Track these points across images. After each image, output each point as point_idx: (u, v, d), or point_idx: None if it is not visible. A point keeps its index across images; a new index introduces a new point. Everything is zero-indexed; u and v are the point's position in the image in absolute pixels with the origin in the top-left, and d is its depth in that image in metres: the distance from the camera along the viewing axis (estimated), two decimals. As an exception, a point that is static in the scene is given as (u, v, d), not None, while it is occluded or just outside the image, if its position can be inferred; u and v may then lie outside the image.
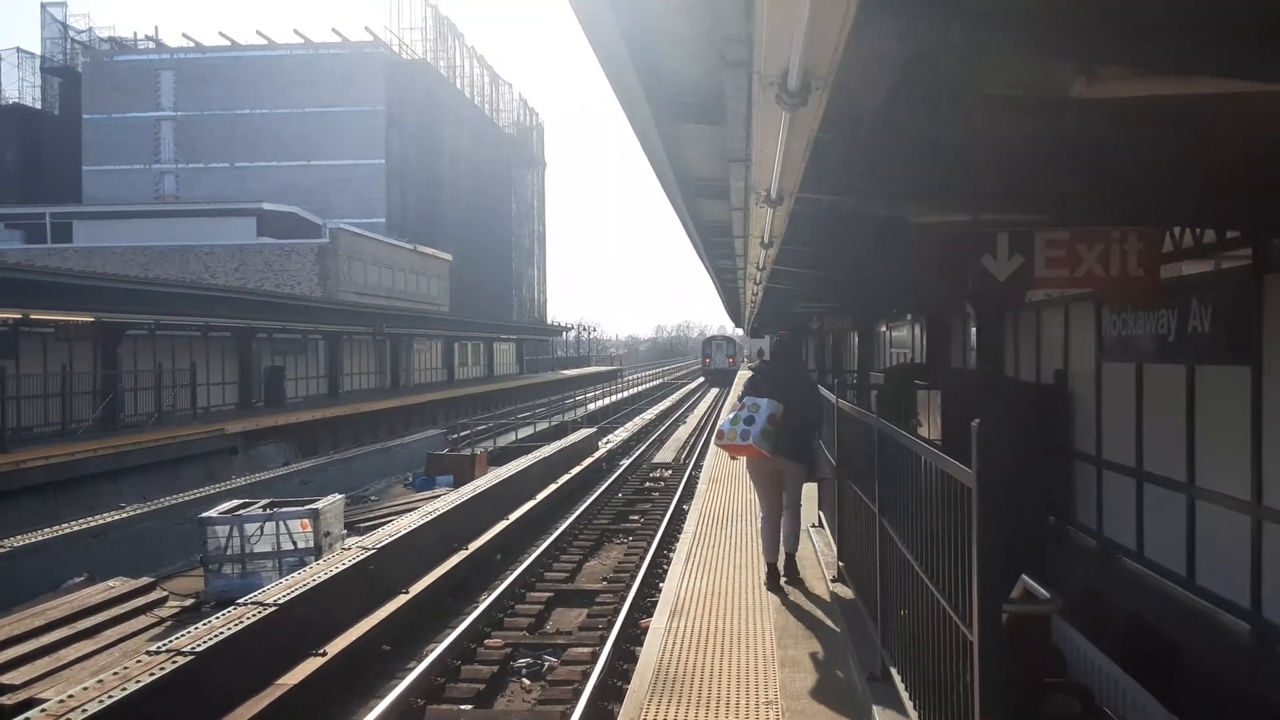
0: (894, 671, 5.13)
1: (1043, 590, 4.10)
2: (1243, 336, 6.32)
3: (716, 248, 12.74)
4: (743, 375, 46.59)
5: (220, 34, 56.54)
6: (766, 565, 8.19)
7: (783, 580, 8.09)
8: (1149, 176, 6.17)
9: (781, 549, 8.19)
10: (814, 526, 10.19)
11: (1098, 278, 7.36)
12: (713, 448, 20.11)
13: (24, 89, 59.65)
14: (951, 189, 6.70)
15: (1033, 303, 10.43)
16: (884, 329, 20.88)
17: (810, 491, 10.34)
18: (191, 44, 55.95)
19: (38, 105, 58.96)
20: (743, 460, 8.38)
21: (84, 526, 13.03)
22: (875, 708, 5.01)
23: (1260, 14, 3.53)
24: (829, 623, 7.06)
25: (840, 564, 7.88)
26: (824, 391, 8.75)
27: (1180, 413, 7.18)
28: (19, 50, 60.36)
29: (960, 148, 6.17)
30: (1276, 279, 6.10)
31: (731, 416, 7.74)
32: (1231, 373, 6.46)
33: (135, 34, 58.85)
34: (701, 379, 71.29)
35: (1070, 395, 9.44)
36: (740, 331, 56.46)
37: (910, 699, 4.65)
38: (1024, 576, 4.15)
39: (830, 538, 9.05)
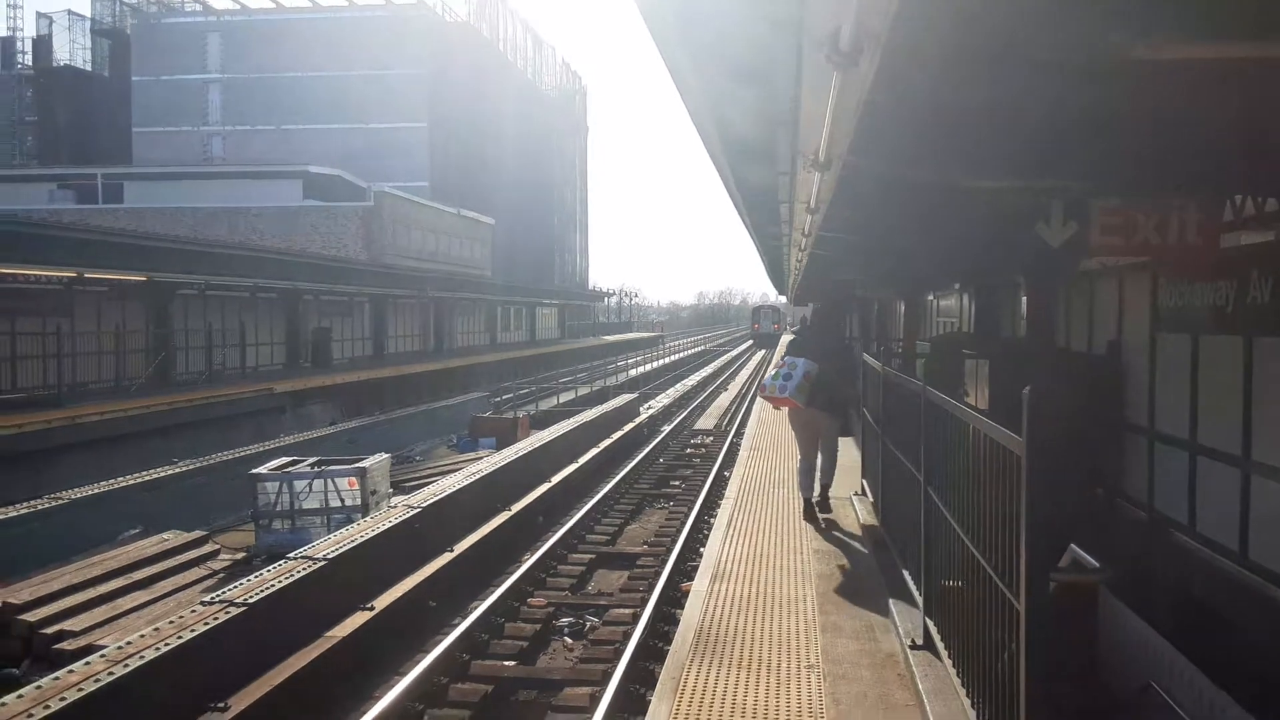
0: (937, 639, 5.14)
1: (1091, 560, 4.06)
2: (1305, 308, 6.16)
3: (761, 213, 12.61)
4: (785, 339, 49.84)
5: (266, -4, 56.86)
6: (803, 500, 9.55)
7: (819, 513, 9.38)
8: (1210, 142, 5.99)
9: (818, 483, 9.52)
10: (856, 495, 10.17)
11: (1154, 246, 7.18)
12: (755, 409, 20.12)
13: (75, 51, 60.63)
14: (1005, 154, 6.56)
15: (1085, 272, 10.21)
16: (931, 298, 20.60)
17: (854, 461, 10.37)
18: (238, 6, 56.30)
19: (88, 67, 59.81)
20: (784, 429, 10.06)
21: (138, 480, 13.37)
22: (918, 674, 5.03)
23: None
24: (872, 589, 7.07)
25: (883, 531, 7.87)
26: (868, 359, 9.01)
27: (1237, 385, 7.02)
28: (70, 13, 61.25)
29: (1016, 111, 6.03)
30: (1342, 249, 5.92)
31: (773, 373, 9.19)
32: (1292, 345, 6.30)
33: (183, -4, 59.41)
34: (744, 345, 77.88)
35: (1123, 367, 9.27)
36: (784, 299, 56.97)
37: (954, 666, 4.66)
38: (1072, 546, 4.12)
39: (872, 505, 9.03)
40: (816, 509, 9.37)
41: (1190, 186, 6.88)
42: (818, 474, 9.44)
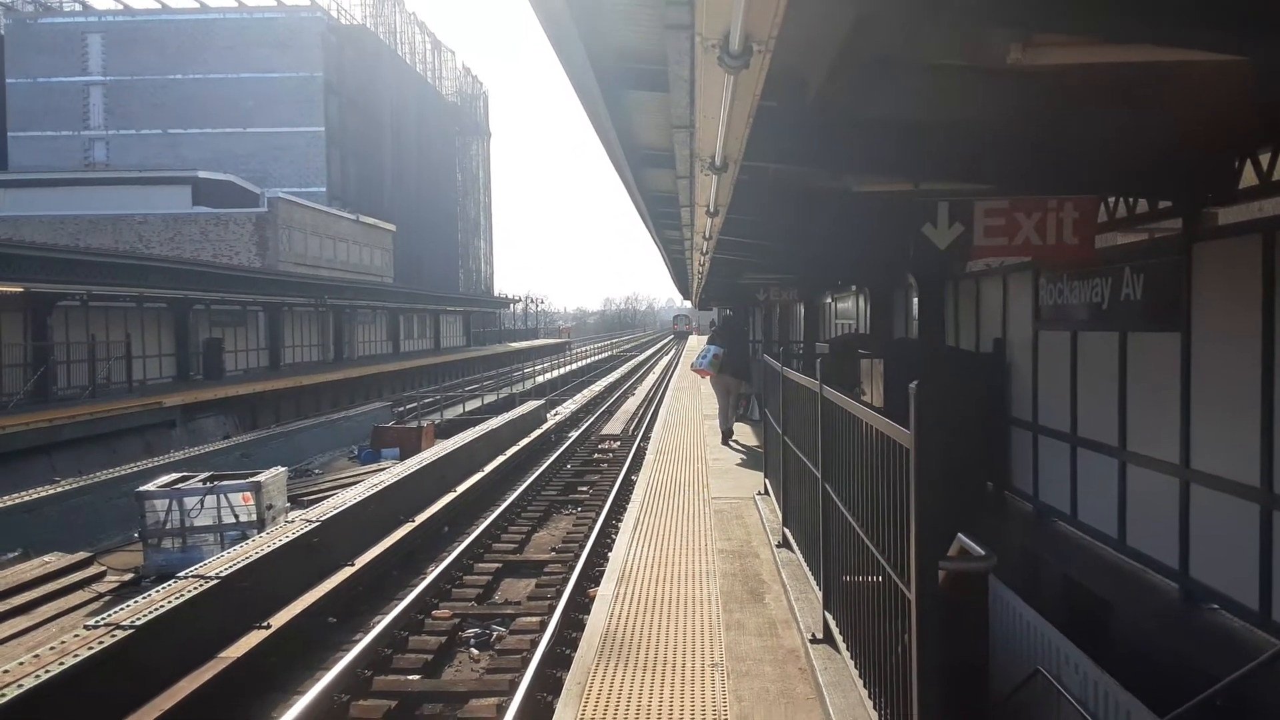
0: (836, 632, 5.24)
1: (978, 548, 4.20)
2: (1173, 304, 6.50)
3: (663, 218, 12.72)
4: (693, 338, 73.47)
5: (150, -5, 54.68)
6: (721, 430, 15.00)
7: (727, 442, 14.69)
8: (1085, 146, 6.29)
9: (728, 423, 14.96)
10: (759, 494, 10.32)
11: (1035, 246, 7.51)
12: (662, 414, 20.33)
13: (-57, 52, 57.19)
14: (893, 158, 6.76)
15: (972, 273, 10.61)
16: (829, 300, 21.08)
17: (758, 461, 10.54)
18: (120, 6, 54.05)
19: (-42, 69, 56.58)
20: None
21: (17, 501, 12.71)
22: (818, 668, 5.12)
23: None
24: (774, 587, 7.17)
25: (785, 529, 8.00)
26: (769, 359, 9.29)
27: (1113, 379, 7.37)
28: (-63, 11, 57.82)
29: (901, 117, 6.22)
30: (1205, 248, 6.28)
31: (699, 355, 14.73)
32: (1162, 339, 6.64)
33: (61, -6, 56.73)
34: (653, 349, 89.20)
35: (1008, 363, 9.64)
36: (690, 304, 58.65)
37: (852, 658, 4.76)
38: (960, 535, 4.26)
39: (775, 504, 9.18)
40: (727, 439, 14.72)
41: (1068, 189, 7.22)
42: (729, 416, 14.95)
